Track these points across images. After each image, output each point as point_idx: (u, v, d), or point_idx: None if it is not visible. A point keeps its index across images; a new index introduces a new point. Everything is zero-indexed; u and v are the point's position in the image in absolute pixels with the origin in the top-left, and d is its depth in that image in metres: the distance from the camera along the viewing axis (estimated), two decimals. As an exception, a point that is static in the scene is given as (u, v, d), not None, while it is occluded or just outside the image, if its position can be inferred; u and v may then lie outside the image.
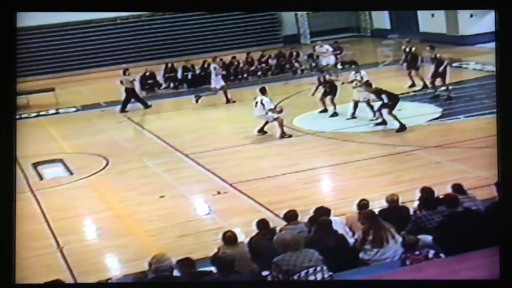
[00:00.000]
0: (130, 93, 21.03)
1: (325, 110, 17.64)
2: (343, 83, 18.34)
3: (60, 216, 11.86)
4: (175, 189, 12.85)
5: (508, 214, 5.81)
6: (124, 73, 21.32)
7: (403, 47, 20.67)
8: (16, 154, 5.81)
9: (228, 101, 20.74)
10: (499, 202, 5.96)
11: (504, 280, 5.67)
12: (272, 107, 15.88)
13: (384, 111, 15.46)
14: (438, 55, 18.21)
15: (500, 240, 5.75)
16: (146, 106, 21.05)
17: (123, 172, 14.37)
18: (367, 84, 16.22)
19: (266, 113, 15.81)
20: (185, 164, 14.54)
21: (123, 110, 20.74)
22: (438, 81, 18.02)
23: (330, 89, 17.53)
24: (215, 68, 21.45)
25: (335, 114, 17.26)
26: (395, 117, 15.30)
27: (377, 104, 15.71)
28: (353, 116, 16.68)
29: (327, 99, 17.59)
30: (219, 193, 12.28)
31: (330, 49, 22.66)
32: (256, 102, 15.91)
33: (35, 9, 6.04)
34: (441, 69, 17.78)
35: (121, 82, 21.14)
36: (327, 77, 18.15)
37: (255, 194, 11.97)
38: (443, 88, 17.96)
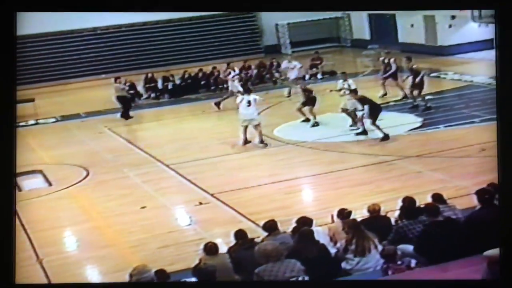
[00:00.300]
0: (122, 101, 21.02)
1: (307, 120, 17.68)
2: (331, 91, 18.45)
3: (40, 228, 11.75)
4: (156, 200, 12.79)
5: (508, 215, 5.86)
6: (115, 81, 21.38)
7: (382, 58, 20.84)
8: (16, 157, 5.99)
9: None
10: (499, 202, 5.99)
11: (504, 281, 5.70)
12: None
13: (367, 121, 15.55)
14: (414, 66, 18.39)
15: (500, 241, 5.79)
16: (128, 118, 20.99)
17: (103, 182, 14.28)
18: (353, 91, 16.33)
19: (258, 113, 15.83)
20: (166, 175, 14.49)
21: (127, 117, 20.72)
22: (416, 92, 18.18)
23: (308, 99, 17.53)
24: (230, 73, 21.78)
25: (316, 124, 17.31)
26: (378, 127, 15.40)
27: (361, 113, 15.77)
28: (352, 124, 16.44)
29: (305, 109, 17.61)
30: (200, 203, 12.25)
31: (298, 65, 22.65)
32: (249, 101, 15.60)
33: (35, 9, 6.08)
34: (417, 79, 17.96)
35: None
36: (306, 86, 18.21)
37: (237, 204, 11.95)
38: (420, 98, 18.12)
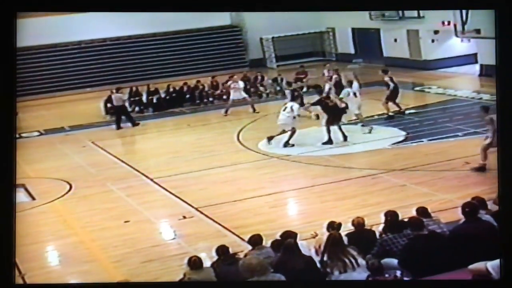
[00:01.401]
0: (121, 111, 21.34)
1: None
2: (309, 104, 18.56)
3: (22, 242, 11.54)
4: (140, 214, 12.71)
5: (508, 215, 5.85)
6: (117, 91, 21.75)
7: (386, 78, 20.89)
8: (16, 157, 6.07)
9: (254, 110, 21.65)
10: (499, 202, 6.00)
11: (504, 281, 5.71)
12: (299, 113, 16.81)
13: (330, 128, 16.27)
14: (386, 78, 18.60)
15: (501, 241, 5.81)
16: (134, 124, 21.48)
17: (86, 197, 14.18)
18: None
19: (294, 118, 16.49)
20: (150, 189, 14.42)
21: (118, 127, 21.19)
22: (390, 103, 18.41)
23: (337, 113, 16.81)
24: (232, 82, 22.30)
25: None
26: (327, 130, 16.18)
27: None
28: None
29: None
30: (184, 217, 12.18)
31: (242, 85, 22.69)
32: (285, 107, 16.70)
33: (35, 9, 6.15)
34: (390, 89, 18.26)
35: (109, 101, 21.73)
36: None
37: (221, 218, 11.90)
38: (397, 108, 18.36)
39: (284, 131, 16.82)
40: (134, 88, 24.61)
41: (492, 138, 12.90)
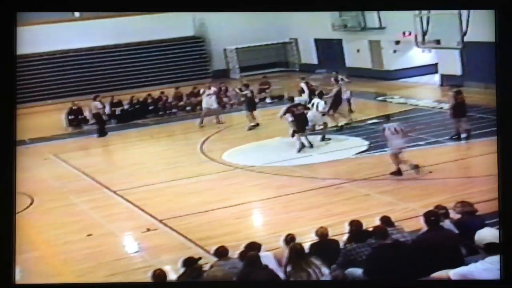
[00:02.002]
0: (98, 118, 21.60)
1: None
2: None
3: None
4: (103, 227, 12.56)
5: (508, 215, 5.91)
6: (94, 99, 22.02)
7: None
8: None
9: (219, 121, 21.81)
10: (499, 202, 6.07)
11: (504, 281, 5.74)
12: (326, 110, 17.79)
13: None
14: (334, 90, 18.90)
15: (501, 241, 5.84)
16: (102, 134, 21.56)
17: (49, 210, 13.97)
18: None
19: (323, 114, 17.56)
20: (114, 201, 14.27)
21: (101, 134, 21.36)
22: (336, 114, 18.80)
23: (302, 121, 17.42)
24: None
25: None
26: (299, 139, 16.73)
27: None
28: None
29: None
30: (148, 230, 12.08)
31: (212, 91, 22.76)
32: (313, 104, 17.66)
33: (35, 9, 6.18)
34: (331, 98, 18.56)
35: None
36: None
37: (186, 230, 11.83)
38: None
39: (314, 128, 17.74)
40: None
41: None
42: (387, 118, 14.49)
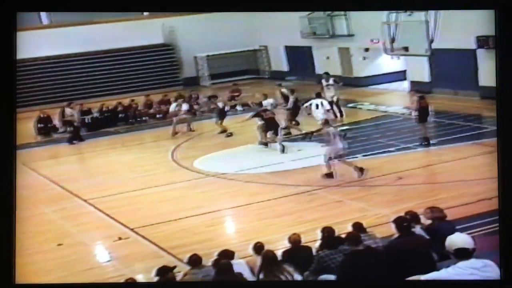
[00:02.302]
0: (72, 125, 21.66)
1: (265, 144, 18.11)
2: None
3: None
4: (74, 237, 12.44)
5: (508, 215, 5.97)
6: (68, 105, 22.22)
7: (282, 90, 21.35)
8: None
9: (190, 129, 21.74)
10: (499, 202, 6.13)
11: (504, 281, 5.79)
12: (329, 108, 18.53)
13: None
14: (291, 99, 19.08)
15: (501, 241, 5.90)
16: (79, 140, 21.56)
17: (17, 220, 13.73)
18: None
19: (328, 110, 18.17)
20: (84, 210, 14.13)
21: (79, 140, 21.38)
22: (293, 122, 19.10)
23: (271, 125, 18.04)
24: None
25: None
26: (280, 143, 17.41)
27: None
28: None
29: (267, 133, 18.17)
30: (120, 238, 12.00)
31: (185, 107, 22.68)
32: (317, 105, 18.27)
33: (35, 9, 6.28)
34: (289, 106, 18.73)
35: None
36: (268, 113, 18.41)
37: (158, 238, 11.77)
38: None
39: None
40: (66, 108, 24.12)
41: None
42: (327, 123, 15.05)
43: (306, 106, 18.83)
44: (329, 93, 21.23)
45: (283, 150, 17.29)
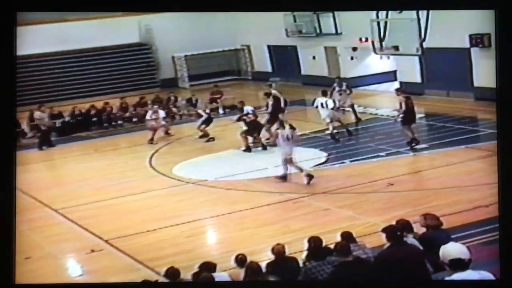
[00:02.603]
0: (41, 129, 21.71)
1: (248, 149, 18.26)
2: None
3: None
4: (43, 249, 12.31)
5: (507, 215, 6.02)
6: (39, 108, 22.19)
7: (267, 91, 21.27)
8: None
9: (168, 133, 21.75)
10: (499, 203, 6.15)
11: (504, 280, 5.84)
12: (335, 106, 18.94)
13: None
14: (270, 103, 19.09)
15: (501, 241, 5.94)
16: (49, 145, 21.63)
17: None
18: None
19: (332, 109, 18.61)
20: (55, 221, 14.01)
21: (42, 147, 21.42)
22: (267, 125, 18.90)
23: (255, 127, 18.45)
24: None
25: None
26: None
27: None
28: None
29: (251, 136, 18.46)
30: (92, 251, 11.88)
31: (162, 114, 22.50)
32: (321, 104, 18.73)
33: (35, 9, 6.56)
34: (268, 110, 18.81)
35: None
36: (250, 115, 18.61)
37: (134, 250, 11.67)
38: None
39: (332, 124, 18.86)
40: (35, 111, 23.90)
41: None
42: (281, 124, 15.51)
43: (317, 106, 19.24)
44: (342, 99, 20.93)
45: (265, 148, 18.10)
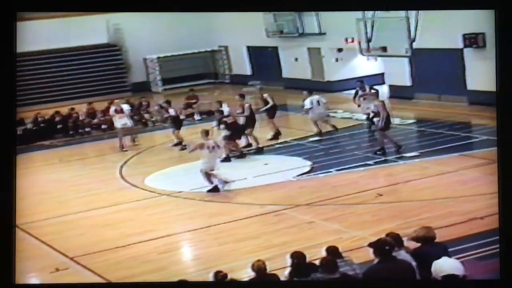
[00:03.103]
0: None
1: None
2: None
3: None
4: (4, 268, 12.17)
5: (507, 214, 6.16)
6: None
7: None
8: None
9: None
10: (499, 203, 6.25)
11: (504, 280, 5.99)
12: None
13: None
14: (246, 104, 19.20)
15: (500, 241, 6.07)
16: None
17: None
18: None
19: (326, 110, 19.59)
20: (15, 237, 13.84)
21: None
22: (248, 130, 19.06)
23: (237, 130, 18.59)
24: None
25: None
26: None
27: None
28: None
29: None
30: (57, 269, 11.81)
31: (127, 107, 22.36)
32: (318, 101, 19.59)
33: (35, 9, 6.91)
34: (245, 115, 18.92)
35: None
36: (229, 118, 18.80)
37: (102, 268, 11.60)
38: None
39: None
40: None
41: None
42: (206, 133, 15.80)
43: (309, 108, 19.75)
44: (366, 104, 20.06)
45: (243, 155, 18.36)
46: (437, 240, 8.21)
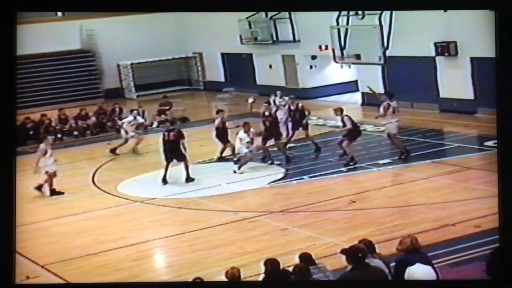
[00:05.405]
0: None
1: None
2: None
3: None
4: (-27, 276, 12.02)
5: (507, 214, 6.21)
6: None
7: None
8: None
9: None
10: (499, 203, 6.33)
11: (504, 280, 6.00)
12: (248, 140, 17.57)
13: None
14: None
15: (500, 241, 6.12)
16: None
17: None
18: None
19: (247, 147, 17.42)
20: (-14, 244, 13.70)
21: None
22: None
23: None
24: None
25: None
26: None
27: None
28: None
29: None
30: (28, 277, 11.68)
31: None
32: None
33: (35, 9, 6.99)
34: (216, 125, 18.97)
35: None
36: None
37: (74, 276, 11.51)
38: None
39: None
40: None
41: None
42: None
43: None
44: (390, 118, 17.51)
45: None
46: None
